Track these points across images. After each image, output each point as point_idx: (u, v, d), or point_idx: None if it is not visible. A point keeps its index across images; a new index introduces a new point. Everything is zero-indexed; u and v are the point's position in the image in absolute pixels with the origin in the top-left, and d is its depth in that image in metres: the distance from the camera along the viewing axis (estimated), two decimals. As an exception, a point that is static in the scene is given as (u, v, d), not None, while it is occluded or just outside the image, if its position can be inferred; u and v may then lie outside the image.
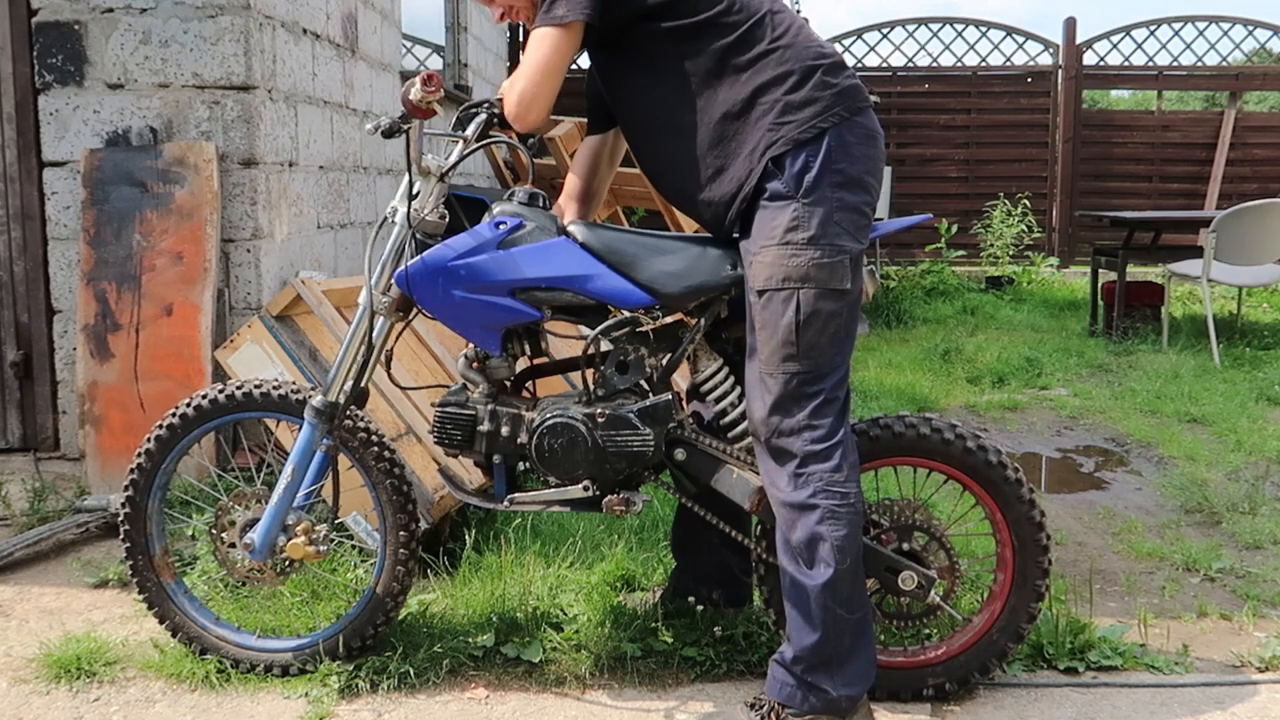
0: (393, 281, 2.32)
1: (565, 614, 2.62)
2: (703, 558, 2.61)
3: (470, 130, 2.39)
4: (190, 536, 3.06)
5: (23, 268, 3.79)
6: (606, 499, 2.29)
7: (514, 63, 9.84)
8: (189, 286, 3.53)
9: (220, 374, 3.40)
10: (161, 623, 2.52)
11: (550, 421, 2.27)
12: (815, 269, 2.11)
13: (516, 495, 2.35)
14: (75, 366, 3.63)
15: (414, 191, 2.32)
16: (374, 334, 2.35)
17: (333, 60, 4.48)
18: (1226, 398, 5.12)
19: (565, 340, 2.75)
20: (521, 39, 10.01)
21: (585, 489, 2.29)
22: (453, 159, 2.35)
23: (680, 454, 2.30)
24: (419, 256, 2.26)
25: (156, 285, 3.53)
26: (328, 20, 4.41)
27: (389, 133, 2.24)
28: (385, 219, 2.35)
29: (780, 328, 2.12)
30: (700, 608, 2.55)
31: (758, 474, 2.27)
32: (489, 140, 2.41)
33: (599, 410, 2.27)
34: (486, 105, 2.45)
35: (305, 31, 4.14)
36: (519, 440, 2.30)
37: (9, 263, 3.79)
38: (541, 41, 2.18)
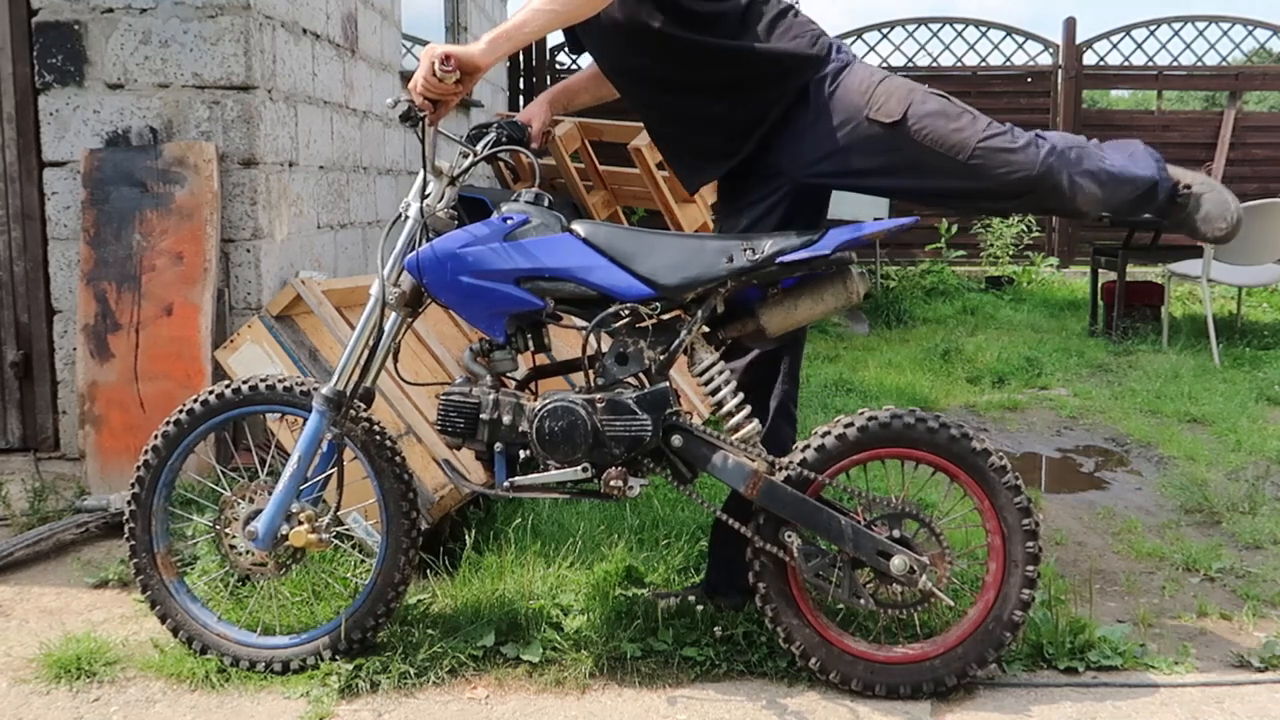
0: (403, 269, 2.40)
1: (565, 614, 2.62)
2: (739, 566, 2.62)
3: (479, 146, 2.52)
4: (189, 536, 3.06)
5: (23, 268, 3.79)
6: (605, 473, 2.32)
7: (514, 63, 9.83)
8: (189, 286, 3.53)
9: (220, 374, 3.40)
10: (163, 621, 2.53)
11: (551, 405, 2.33)
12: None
13: (517, 479, 2.39)
14: (75, 366, 3.63)
15: (426, 190, 2.42)
16: (384, 325, 2.42)
17: (333, 60, 4.48)
18: (1226, 398, 5.12)
19: (566, 341, 2.78)
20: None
21: (584, 470, 2.33)
22: (464, 165, 2.46)
23: (677, 440, 2.35)
24: (429, 243, 2.36)
25: (156, 285, 3.53)
26: (328, 20, 4.41)
27: (406, 115, 2.31)
28: (399, 215, 2.44)
29: None
30: (700, 607, 2.58)
31: (752, 460, 2.33)
32: (496, 149, 2.52)
33: (598, 396, 2.34)
34: (495, 126, 2.58)
35: (305, 31, 4.14)
36: (520, 429, 2.36)
37: (9, 263, 3.79)
38: None
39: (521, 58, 9.92)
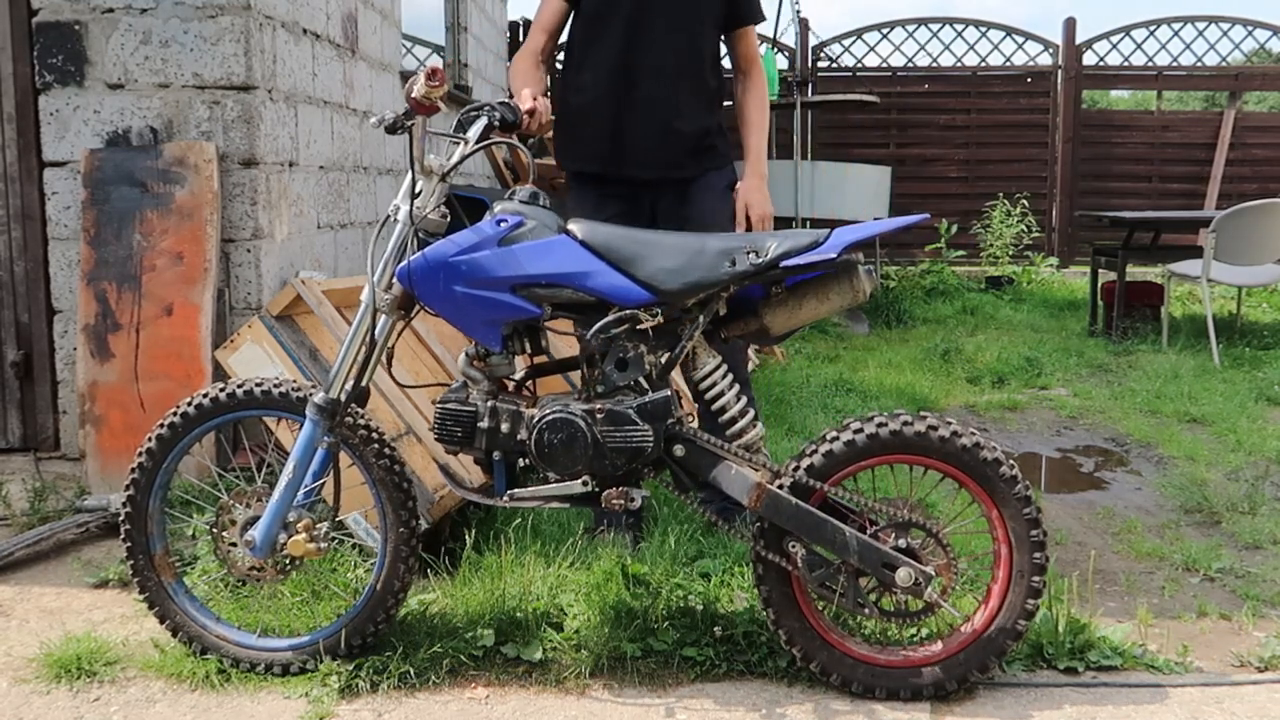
0: (395, 278, 2.34)
1: (565, 614, 2.62)
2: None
3: (471, 133, 2.44)
4: (190, 536, 3.06)
5: (23, 268, 3.79)
6: (606, 492, 2.30)
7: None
8: (189, 286, 3.53)
9: (220, 374, 3.39)
10: (162, 622, 2.52)
11: (550, 417, 2.29)
12: None
13: (516, 491, 2.36)
14: (75, 366, 3.63)
15: (416, 190, 2.34)
16: (376, 331, 2.37)
17: (333, 60, 4.48)
18: (1226, 398, 5.12)
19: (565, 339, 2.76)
20: (521, 39, 9.99)
21: (584, 484, 2.31)
22: (454, 159, 2.39)
23: (679, 450, 2.31)
24: (421, 252, 2.29)
25: (156, 285, 3.53)
26: (328, 20, 4.41)
27: (392, 127, 2.28)
28: (388, 217, 2.38)
29: None
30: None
31: (756, 469, 2.30)
32: (490, 141, 2.45)
33: (598, 406, 2.29)
34: (487, 109, 2.51)
35: (305, 31, 4.14)
36: (519, 437, 2.32)
37: (9, 263, 3.79)
38: None
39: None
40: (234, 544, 2.45)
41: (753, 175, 3.12)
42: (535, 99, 2.68)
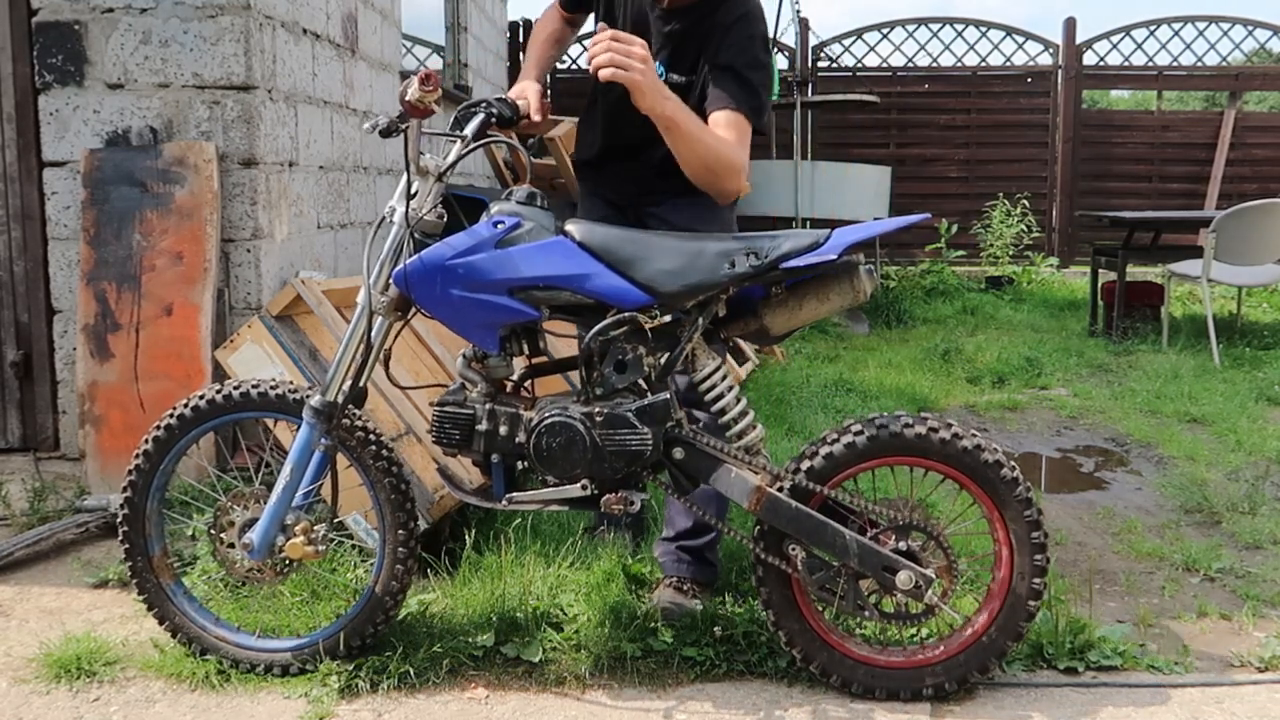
0: (391, 281, 2.32)
1: (565, 614, 2.62)
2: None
3: (468, 130, 2.42)
4: (190, 537, 3.06)
5: (23, 268, 3.79)
6: (605, 497, 2.29)
7: (514, 63, 9.82)
8: (189, 286, 3.52)
9: (220, 374, 3.39)
10: (161, 623, 2.52)
11: (548, 421, 2.27)
12: None
13: (515, 494, 2.35)
14: (75, 366, 3.63)
15: (412, 191, 2.32)
16: (372, 334, 2.36)
17: (333, 60, 4.48)
18: (1226, 398, 5.12)
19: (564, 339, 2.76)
20: (521, 40, 9.99)
21: (584, 488, 2.30)
22: (450, 159, 2.37)
23: (679, 453, 2.30)
24: (417, 255, 2.27)
25: (156, 285, 3.53)
26: (328, 20, 4.41)
27: (387, 132, 2.25)
28: (383, 218, 2.36)
29: None
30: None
31: (756, 473, 2.29)
32: (487, 140, 2.43)
33: (597, 409, 2.27)
34: (484, 105, 2.48)
35: (305, 31, 4.14)
36: (517, 439, 2.31)
37: (9, 263, 3.79)
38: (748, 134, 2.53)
39: (522, 57, 9.92)
40: (232, 546, 2.45)
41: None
42: (542, 106, 2.63)
